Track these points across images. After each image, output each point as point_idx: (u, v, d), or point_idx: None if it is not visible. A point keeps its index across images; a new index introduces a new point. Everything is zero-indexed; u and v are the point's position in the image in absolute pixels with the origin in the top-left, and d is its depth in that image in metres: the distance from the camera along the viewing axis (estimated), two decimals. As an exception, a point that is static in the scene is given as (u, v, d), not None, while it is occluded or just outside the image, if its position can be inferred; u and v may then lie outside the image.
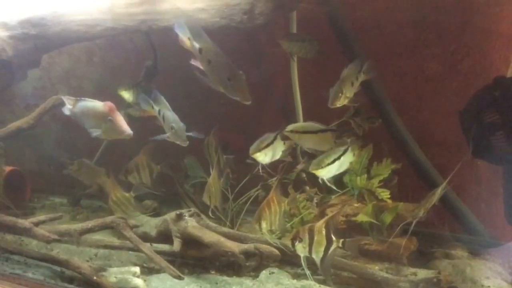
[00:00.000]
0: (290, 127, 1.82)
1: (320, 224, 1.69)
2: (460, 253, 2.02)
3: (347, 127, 2.06)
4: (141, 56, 2.28)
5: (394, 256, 1.92)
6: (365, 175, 2.03)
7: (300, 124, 1.83)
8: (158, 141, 2.16)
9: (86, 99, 1.79)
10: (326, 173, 1.78)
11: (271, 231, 1.91)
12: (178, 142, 1.81)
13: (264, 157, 1.86)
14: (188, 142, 1.80)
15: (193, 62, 1.66)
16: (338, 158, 1.79)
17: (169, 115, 1.82)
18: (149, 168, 2.18)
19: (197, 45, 1.62)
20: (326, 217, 1.71)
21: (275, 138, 1.85)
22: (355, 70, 1.87)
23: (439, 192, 1.79)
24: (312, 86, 2.21)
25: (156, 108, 1.84)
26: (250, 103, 1.61)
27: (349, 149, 1.81)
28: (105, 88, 2.38)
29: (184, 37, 1.65)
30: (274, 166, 2.03)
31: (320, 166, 1.76)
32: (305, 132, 1.81)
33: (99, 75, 2.45)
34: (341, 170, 1.82)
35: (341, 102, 1.83)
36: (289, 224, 2.02)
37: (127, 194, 2.02)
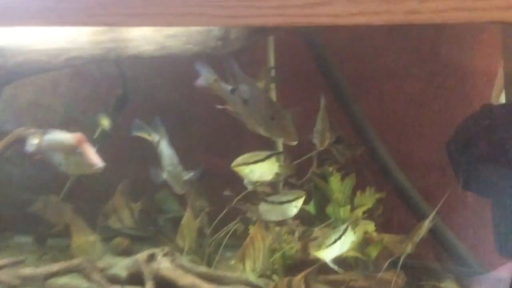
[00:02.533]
0: (239, 160, 1.70)
1: (299, 279, 1.66)
2: (449, 286, 1.95)
3: (328, 155, 2.01)
4: (110, 85, 2.19)
5: (382, 292, 1.85)
6: (349, 206, 1.96)
7: (244, 156, 1.70)
8: (132, 177, 2.09)
9: (53, 131, 1.69)
10: (327, 254, 1.66)
11: (254, 269, 1.82)
12: (174, 190, 1.70)
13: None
14: (184, 190, 1.69)
15: (220, 106, 1.52)
16: (339, 238, 1.68)
17: (166, 155, 1.71)
18: (129, 208, 2.06)
19: (228, 86, 1.49)
20: (304, 272, 1.66)
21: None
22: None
23: (426, 224, 1.71)
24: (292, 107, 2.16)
25: (156, 137, 1.73)
26: (296, 143, 1.48)
27: (349, 228, 1.71)
28: (73, 119, 2.28)
29: (210, 80, 1.50)
30: (251, 197, 1.91)
31: (320, 248, 1.67)
32: (256, 161, 1.71)
33: (66, 106, 2.34)
34: (344, 251, 1.71)
35: (328, 140, 1.76)
36: (271, 260, 1.92)
37: (91, 238, 1.90)
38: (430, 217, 1.73)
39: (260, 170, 1.74)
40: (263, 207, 1.77)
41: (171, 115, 2.17)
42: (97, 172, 1.64)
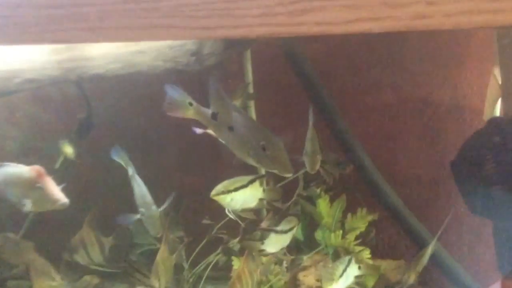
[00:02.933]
0: (219, 187, 1.53)
1: None
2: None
3: (315, 175, 1.86)
4: (72, 109, 2.02)
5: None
6: (340, 231, 1.81)
7: (224, 183, 1.54)
8: (103, 208, 1.91)
9: (8, 164, 1.50)
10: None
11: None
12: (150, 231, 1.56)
13: None
14: (160, 233, 1.54)
15: (198, 131, 1.36)
16: (345, 270, 1.56)
17: (137, 193, 1.56)
18: (99, 242, 1.87)
19: (206, 110, 1.30)
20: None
21: None
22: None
23: (429, 252, 1.57)
24: (272, 125, 2.03)
25: (130, 170, 1.58)
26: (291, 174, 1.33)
27: (353, 259, 1.58)
28: (32, 148, 2.08)
29: (182, 104, 1.30)
30: (234, 225, 1.77)
31: (332, 280, 1.53)
32: (237, 188, 1.55)
33: (25, 133, 2.14)
34: (348, 283, 1.57)
35: (319, 162, 1.60)
36: (257, 295, 1.75)
37: (55, 281, 1.70)
38: (432, 243, 1.58)
39: (243, 197, 1.57)
40: (271, 239, 1.62)
41: (142, 138, 2.02)
42: (61, 208, 1.47)
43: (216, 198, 1.55)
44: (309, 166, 1.57)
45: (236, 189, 1.55)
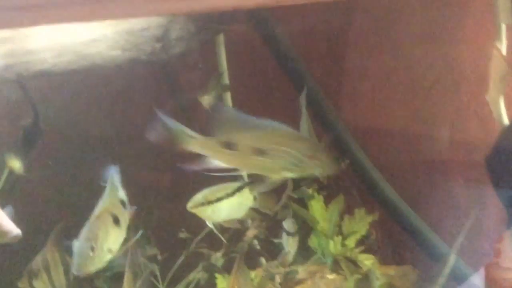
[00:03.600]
0: (198, 198, 1.37)
1: None
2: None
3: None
4: (15, 113, 1.78)
5: None
6: (340, 237, 1.63)
7: (204, 192, 1.38)
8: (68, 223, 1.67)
9: None
10: None
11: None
12: None
13: None
14: None
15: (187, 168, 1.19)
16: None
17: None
18: (64, 264, 1.64)
19: (212, 139, 1.14)
20: None
21: None
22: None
23: (451, 262, 1.41)
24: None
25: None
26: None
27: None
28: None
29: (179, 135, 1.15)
30: (215, 237, 1.63)
31: None
32: (220, 198, 1.40)
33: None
34: None
35: None
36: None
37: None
38: (452, 252, 1.43)
39: (228, 207, 1.41)
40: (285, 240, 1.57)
41: (103, 143, 1.80)
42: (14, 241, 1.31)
43: (194, 210, 1.38)
44: None
45: (218, 199, 1.40)
